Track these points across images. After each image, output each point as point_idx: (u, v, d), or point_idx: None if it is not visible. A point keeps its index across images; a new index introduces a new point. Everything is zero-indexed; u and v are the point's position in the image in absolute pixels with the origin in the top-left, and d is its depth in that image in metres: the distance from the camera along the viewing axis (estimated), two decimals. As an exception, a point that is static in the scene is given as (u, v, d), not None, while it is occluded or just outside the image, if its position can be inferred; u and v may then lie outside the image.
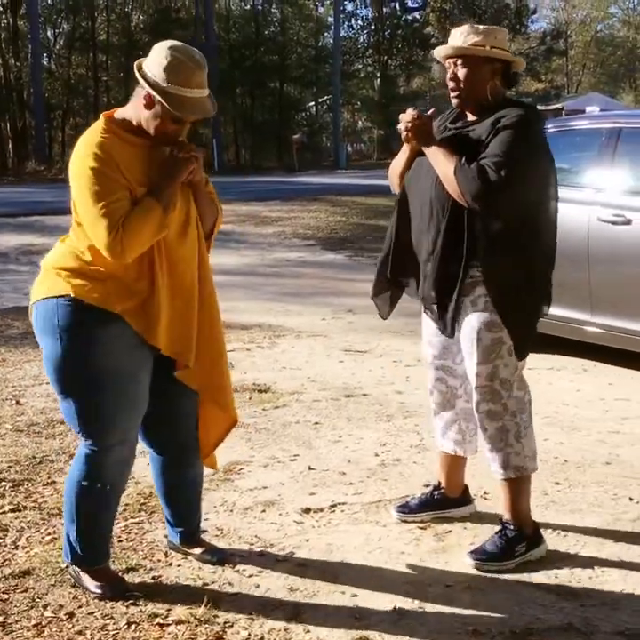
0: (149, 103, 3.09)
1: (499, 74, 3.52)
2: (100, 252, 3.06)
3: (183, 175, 3.16)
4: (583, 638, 3.03)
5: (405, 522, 3.93)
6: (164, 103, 3.04)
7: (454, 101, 3.58)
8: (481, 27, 3.53)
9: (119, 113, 3.21)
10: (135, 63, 3.17)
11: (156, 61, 3.08)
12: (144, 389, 3.26)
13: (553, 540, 3.75)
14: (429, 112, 3.56)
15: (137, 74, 3.11)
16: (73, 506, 3.30)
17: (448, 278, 3.47)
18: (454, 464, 3.95)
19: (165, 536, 3.71)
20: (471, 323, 3.51)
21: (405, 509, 3.98)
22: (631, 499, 4.20)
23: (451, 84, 3.54)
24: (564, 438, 5.06)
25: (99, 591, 3.28)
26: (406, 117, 3.52)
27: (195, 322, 3.25)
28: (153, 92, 3.05)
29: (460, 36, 3.50)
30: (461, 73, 3.50)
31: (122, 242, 3.00)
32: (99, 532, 3.35)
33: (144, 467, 4.05)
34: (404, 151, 3.66)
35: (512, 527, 3.60)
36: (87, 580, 3.32)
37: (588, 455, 4.79)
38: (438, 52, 3.58)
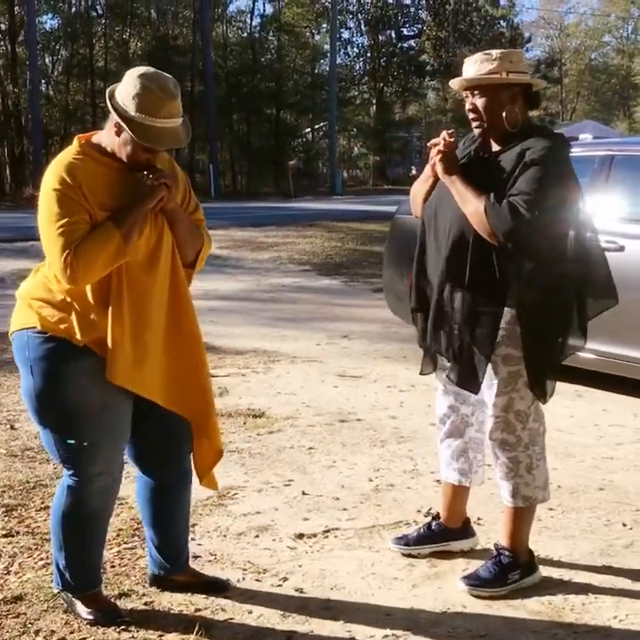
0: (119, 131, 3.06)
1: (518, 98, 3.44)
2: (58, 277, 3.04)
3: (151, 203, 3.10)
4: (576, 664, 3.03)
5: (405, 555, 3.86)
6: (130, 133, 3.02)
7: (476, 131, 3.50)
8: (494, 52, 3.44)
9: (96, 137, 3.19)
10: (109, 89, 3.15)
11: (125, 89, 3.06)
12: (124, 418, 3.22)
13: (546, 566, 3.74)
14: (449, 134, 3.48)
15: (108, 101, 3.09)
16: (59, 534, 3.28)
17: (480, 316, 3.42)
18: (457, 494, 3.89)
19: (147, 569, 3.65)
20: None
21: (406, 542, 3.91)
22: (624, 525, 4.20)
23: (471, 115, 3.47)
24: (558, 464, 5.06)
25: (90, 617, 3.27)
26: (436, 141, 3.47)
27: (159, 357, 3.18)
28: (120, 122, 3.03)
29: (475, 65, 3.43)
30: (480, 102, 3.42)
31: (72, 265, 2.95)
32: (87, 559, 3.33)
33: (137, 492, 4.04)
34: (429, 176, 3.59)
35: (507, 554, 3.59)
36: (79, 607, 3.31)
37: (581, 481, 4.80)
38: (454, 84, 3.52)
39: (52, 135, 43.49)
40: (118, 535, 4.03)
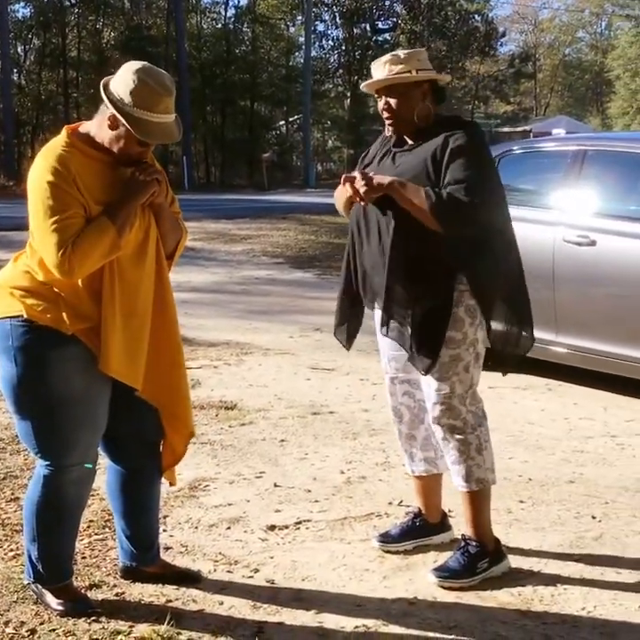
0: (113, 124, 3.06)
1: (428, 94, 3.55)
2: (50, 270, 3.03)
3: (143, 198, 3.13)
4: (544, 655, 3.06)
5: (389, 551, 3.86)
6: (127, 126, 3.02)
7: (390, 130, 3.60)
8: (401, 53, 3.55)
9: (84, 127, 3.18)
10: (102, 81, 3.13)
11: (123, 82, 3.05)
12: (102, 409, 3.22)
13: (516, 558, 3.77)
14: (356, 173, 3.53)
15: (103, 93, 3.08)
16: (33, 525, 3.27)
17: (419, 295, 3.47)
18: (430, 486, 3.91)
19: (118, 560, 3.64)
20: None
21: (388, 539, 3.90)
22: (594, 517, 4.24)
23: (385, 114, 3.56)
24: (529, 457, 5.10)
25: (61, 608, 3.26)
26: (355, 185, 3.48)
27: (145, 348, 3.21)
28: (117, 115, 3.03)
29: (385, 66, 3.52)
30: (393, 102, 3.52)
31: (70, 260, 2.96)
32: (60, 550, 3.33)
33: (109, 483, 4.03)
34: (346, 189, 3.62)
35: (474, 543, 3.62)
36: (50, 598, 3.30)
37: (551, 474, 4.83)
38: (369, 87, 3.59)
39: (24, 125, 43.22)
40: (89, 526, 4.02)
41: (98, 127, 3.13)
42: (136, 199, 3.11)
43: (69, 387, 3.12)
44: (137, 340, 3.18)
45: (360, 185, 3.44)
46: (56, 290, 3.08)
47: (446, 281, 3.45)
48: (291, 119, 52.43)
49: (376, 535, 3.94)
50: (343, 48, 52.03)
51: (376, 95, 3.60)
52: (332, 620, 3.28)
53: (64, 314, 3.08)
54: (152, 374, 3.25)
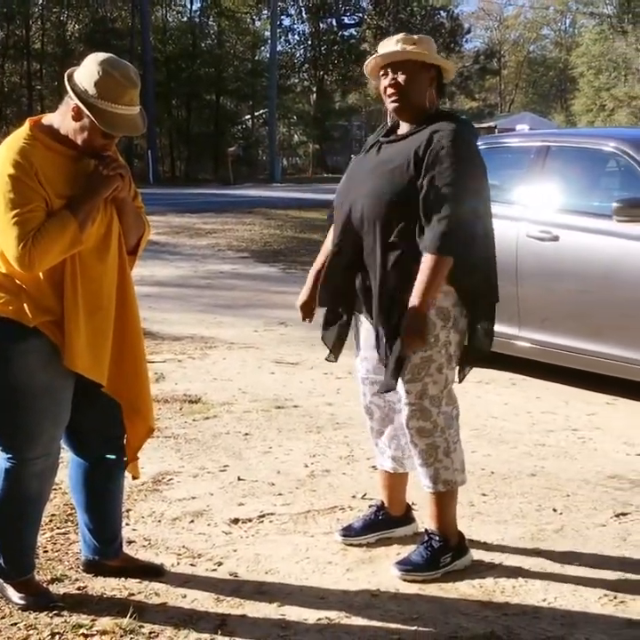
0: (77, 115, 3.04)
1: (434, 82, 3.51)
2: (11, 263, 3.01)
3: (106, 192, 3.10)
4: (505, 646, 3.09)
5: (351, 545, 3.85)
6: (91, 118, 3.00)
7: (392, 107, 3.50)
8: (414, 36, 3.50)
9: (47, 119, 3.16)
10: (66, 72, 3.11)
11: (87, 74, 3.03)
12: (66, 402, 3.21)
13: (478, 551, 3.80)
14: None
15: (67, 84, 3.06)
16: None
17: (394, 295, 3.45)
18: (396, 482, 3.90)
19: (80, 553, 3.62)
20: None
21: (350, 532, 3.89)
22: (555, 510, 4.28)
23: (390, 91, 3.47)
24: (491, 450, 5.14)
25: (22, 602, 3.24)
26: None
27: (109, 343, 3.20)
28: (82, 107, 3.00)
29: (397, 44, 3.47)
30: (402, 78, 3.45)
31: (30, 253, 2.94)
32: (22, 544, 3.30)
33: (71, 477, 4.01)
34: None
35: (437, 538, 3.62)
36: (11, 592, 3.28)
37: (514, 467, 4.87)
38: (382, 59, 3.49)
39: (-13, 117, 42.84)
40: (51, 520, 4.00)
41: (61, 119, 3.11)
42: (99, 194, 3.09)
43: (32, 379, 3.11)
44: (100, 335, 3.17)
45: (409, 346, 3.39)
46: (18, 282, 3.06)
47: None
48: (256, 114, 52.33)
49: (339, 529, 3.94)
50: (309, 43, 52.09)
51: (381, 73, 3.52)
52: (294, 613, 3.29)
53: (26, 306, 3.05)
54: (114, 369, 3.24)
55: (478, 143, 7.51)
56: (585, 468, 4.87)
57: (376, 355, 3.62)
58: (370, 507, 4.02)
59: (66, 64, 42.35)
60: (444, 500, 3.64)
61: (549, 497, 4.44)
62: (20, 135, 3.08)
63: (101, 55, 3.09)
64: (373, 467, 4.30)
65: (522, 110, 60.73)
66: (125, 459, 3.43)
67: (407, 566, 3.59)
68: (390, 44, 3.50)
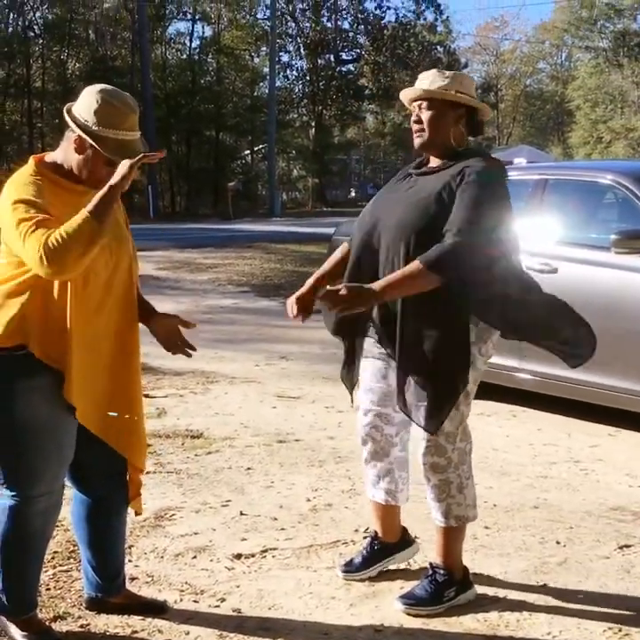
0: (80, 147, 3.07)
1: (463, 120, 3.51)
2: (23, 284, 3.02)
3: (123, 184, 3.01)
4: (510, 680, 3.07)
5: (354, 580, 3.81)
6: (96, 147, 3.03)
7: (417, 142, 3.54)
8: (448, 72, 3.55)
9: (49, 157, 3.19)
10: (65, 107, 3.15)
11: (86, 105, 3.07)
12: (69, 438, 3.21)
13: (482, 584, 3.79)
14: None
15: (67, 117, 3.09)
16: (1, 556, 3.23)
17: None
18: (388, 513, 3.87)
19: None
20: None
21: (351, 568, 3.85)
22: (558, 542, 4.27)
23: (415, 127, 3.52)
24: (494, 483, 5.13)
25: None
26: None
27: (100, 387, 3.21)
28: (85, 136, 3.04)
29: (427, 80, 3.51)
30: (425, 115, 3.48)
31: (47, 254, 2.86)
32: (24, 582, 3.28)
33: (73, 513, 4.01)
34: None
35: (442, 572, 3.60)
36: (14, 630, 3.26)
37: (516, 499, 4.86)
38: (405, 95, 3.57)
39: (-12, 154, 43.04)
40: (53, 557, 3.99)
41: (64, 154, 3.14)
42: (113, 184, 3.02)
43: (36, 417, 3.10)
44: (91, 377, 3.17)
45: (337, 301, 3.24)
46: (25, 313, 3.05)
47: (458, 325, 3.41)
48: (256, 148, 52.63)
49: (340, 564, 3.91)
50: (307, 78, 52.44)
51: (411, 107, 3.56)
52: (298, 649, 3.28)
53: (32, 336, 3.05)
54: (106, 409, 3.25)
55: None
56: (588, 500, 4.86)
57: (383, 386, 3.62)
58: (365, 538, 4.01)
59: (66, 102, 42.04)
60: (453, 535, 3.62)
61: (552, 529, 4.43)
62: (25, 172, 3.10)
63: (97, 86, 3.13)
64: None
65: (519, 143, 61.10)
66: (128, 495, 3.43)
67: (411, 600, 3.57)
68: (423, 79, 3.54)
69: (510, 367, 6.46)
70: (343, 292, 3.20)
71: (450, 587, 3.58)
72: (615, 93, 54.48)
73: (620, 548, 4.20)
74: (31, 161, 3.16)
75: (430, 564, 3.68)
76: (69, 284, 3.05)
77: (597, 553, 4.15)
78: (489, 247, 3.32)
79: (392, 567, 3.91)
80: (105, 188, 3.00)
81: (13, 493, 3.17)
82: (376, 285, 3.28)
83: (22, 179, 3.07)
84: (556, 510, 4.70)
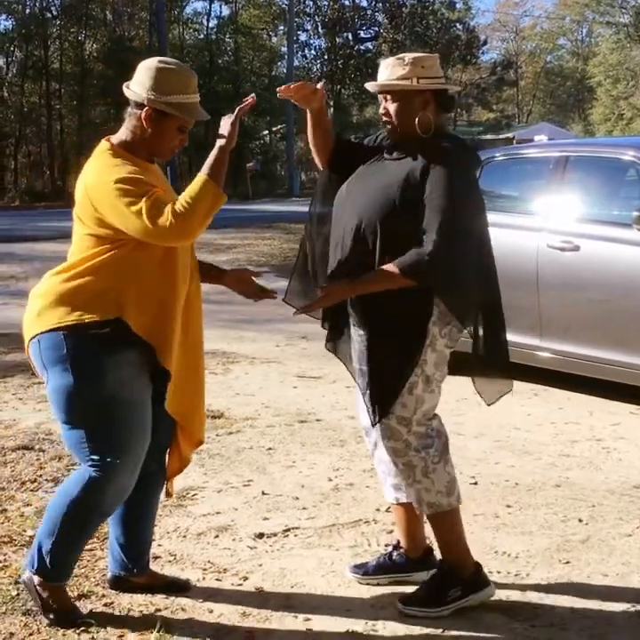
0: (150, 120, 3.11)
1: (430, 103, 3.38)
2: (120, 264, 3.07)
3: (231, 142, 3.11)
4: (533, 658, 3.07)
5: (360, 583, 3.64)
6: (176, 114, 3.10)
7: (388, 134, 3.48)
8: (407, 57, 3.39)
9: (116, 138, 3.20)
10: (125, 87, 3.18)
11: (149, 77, 3.12)
12: (150, 417, 3.25)
13: (503, 562, 3.79)
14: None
15: (131, 94, 3.14)
16: (58, 521, 3.23)
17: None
18: (407, 516, 3.62)
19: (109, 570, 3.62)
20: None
21: (361, 570, 3.67)
22: (580, 520, 4.26)
23: (383, 119, 3.46)
24: (516, 461, 5.12)
25: (51, 617, 3.25)
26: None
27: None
28: (162, 107, 3.09)
29: (387, 70, 3.39)
30: (391, 107, 3.40)
31: (177, 218, 2.93)
32: (74, 551, 3.33)
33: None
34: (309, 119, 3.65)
35: (445, 568, 3.44)
36: (43, 595, 3.26)
37: (538, 478, 4.85)
38: (369, 88, 3.49)
39: (7, 137, 43.10)
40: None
41: (132, 132, 3.18)
42: (223, 144, 3.12)
43: (125, 391, 3.14)
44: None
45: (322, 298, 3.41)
46: (117, 287, 3.10)
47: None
48: (274, 129, 52.48)
49: (351, 566, 3.73)
50: (325, 57, 52.19)
51: (379, 98, 3.49)
52: (321, 626, 3.29)
53: (126, 307, 3.10)
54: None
55: (497, 155, 7.53)
56: (610, 479, 4.85)
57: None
58: (386, 545, 3.86)
59: (84, 83, 42.76)
60: (437, 524, 3.44)
61: (575, 507, 4.42)
62: (106, 154, 3.13)
63: (154, 59, 3.22)
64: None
65: (540, 121, 60.66)
66: (168, 473, 3.46)
67: (409, 599, 3.42)
68: (383, 69, 3.43)
69: (531, 346, 6.44)
70: (320, 294, 3.40)
71: (454, 585, 3.39)
72: (637, 69, 53.97)
73: (643, 526, 4.20)
74: (107, 144, 3.18)
75: (437, 560, 3.57)
76: (158, 255, 3.12)
77: (620, 531, 4.14)
78: (465, 246, 3.25)
79: (416, 579, 3.62)
80: (216, 151, 3.10)
81: (96, 466, 3.17)
82: (349, 284, 3.31)
83: (109, 161, 3.10)
84: (578, 488, 4.69)
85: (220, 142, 3.11)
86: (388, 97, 3.42)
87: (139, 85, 3.15)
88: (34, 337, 3.19)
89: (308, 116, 3.67)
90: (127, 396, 3.16)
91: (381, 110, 3.47)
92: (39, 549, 3.29)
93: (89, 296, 3.11)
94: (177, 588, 3.56)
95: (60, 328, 3.12)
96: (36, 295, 3.23)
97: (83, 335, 3.11)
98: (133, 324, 3.11)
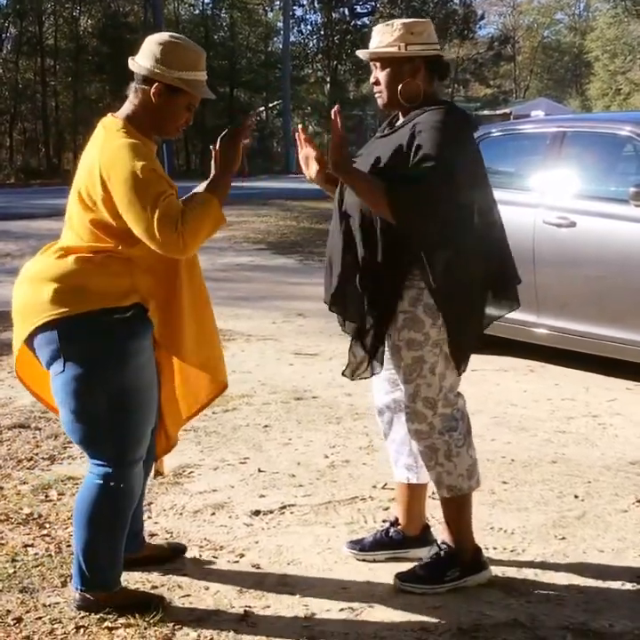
0: (159, 95, 3.04)
1: (420, 71, 3.30)
2: (131, 247, 3.01)
3: (234, 164, 3.13)
4: (528, 633, 3.08)
5: (357, 560, 3.65)
6: (186, 89, 3.04)
7: (379, 103, 3.41)
8: (396, 23, 3.31)
9: (120, 114, 3.12)
10: (130, 63, 3.11)
11: (158, 53, 3.04)
12: (156, 399, 3.24)
13: (500, 538, 3.80)
14: (302, 129, 3.39)
15: (140, 69, 3.06)
16: (90, 529, 3.14)
17: (382, 292, 3.31)
18: (412, 496, 3.64)
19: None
20: (393, 340, 3.35)
21: (358, 546, 3.68)
22: (576, 496, 4.27)
23: (374, 88, 3.38)
24: (512, 438, 5.13)
25: (136, 615, 3.16)
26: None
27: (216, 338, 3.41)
28: (175, 83, 3.02)
29: (377, 36, 3.32)
30: (381, 75, 3.32)
31: (183, 237, 2.91)
32: (119, 552, 3.22)
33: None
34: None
35: (447, 550, 3.43)
36: (106, 605, 3.19)
37: (534, 454, 4.86)
38: (361, 55, 3.41)
39: (2, 114, 42.89)
40: (72, 515, 4.01)
41: (140, 108, 3.09)
42: (230, 168, 3.13)
43: (143, 377, 3.11)
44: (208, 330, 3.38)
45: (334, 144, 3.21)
46: (128, 265, 3.05)
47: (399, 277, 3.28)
48: (270, 105, 52.26)
49: (348, 542, 3.74)
50: (322, 33, 51.84)
51: (371, 65, 3.39)
52: (317, 604, 3.29)
53: (140, 288, 3.06)
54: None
55: (493, 130, 7.48)
56: (606, 455, 4.86)
57: (387, 349, 3.45)
58: (384, 521, 3.87)
59: (79, 60, 42.50)
60: (452, 508, 3.43)
61: (571, 484, 4.43)
62: (116, 129, 3.05)
63: (162, 34, 3.13)
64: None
65: (537, 96, 60.45)
66: (157, 452, 3.45)
67: (407, 577, 3.42)
68: (374, 35, 3.35)
69: (528, 322, 6.43)
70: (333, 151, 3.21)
71: (453, 566, 3.40)
72: (634, 44, 53.69)
73: (639, 501, 4.20)
74: (118, 121, 3.10)
75: (435, 540, 3.56)
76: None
77: (616, 507, 4.15)
78: (439, 197, 3.15)
79: (413, 556, 3.63)
80: (223, 174, 3.14)
81: (107, 462, 3.11)
82: (351, 171, 3.23)
83: (124, 141, 3.00)
84: (574, 465, 4.70)
85: (225, 167, 3.13)
86: (378, 65, 3.34)
87: (148, 59, 3.06)
88: (47, 323, 3.02)
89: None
90: (145, 381, 3.11)
91: (372, 79, 3.40)
92: (79, 567, 3.18)
93: (108, 281, 3.03)
94: (174, 553, 3.60)
95: (80, 314, 3.01)
96: (40, 277, 3.08)
97: (107, 321, 3.02)
98: (151, 306, 3.08)
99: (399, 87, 3.29)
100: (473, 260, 3.29)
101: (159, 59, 3.05)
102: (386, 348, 3.41)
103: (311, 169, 3.55)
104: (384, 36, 3.31)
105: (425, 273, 3.24)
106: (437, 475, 3.39)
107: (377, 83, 3.37)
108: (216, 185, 3.10)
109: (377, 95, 3.39)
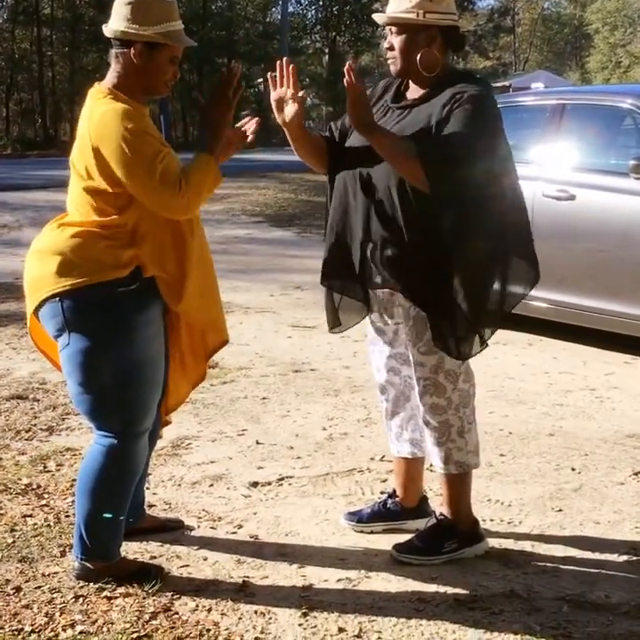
0: (140, 56, 3.00)
1: (436, 40, 3.21)
2: (130, 214, 2.99)
3: (226, 119, 3.06)
4: (525, 604, 3.10)
5: (354, 531, 3.66)
6: (168, 43, 3.00)
7: (392, 69, 3.31)
8: None
9: (108, 84, 3.08)
10: (105, 28, 3.06)
11: (129, 13, 2.98)
12: (163, 369, 3.23)
13: (497, 510, 3.82)
14: (350, 64, 3.14)
15: (114, 33, 3.01)
16: (96, 498, 3.15)
17: (411, 263, 3.21)
18: (412, 470, 3.64)
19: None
20: (416, 310, 3.28)
21: (356, 517, 3.69)
22: (573, 469, 4.29)
23: (388, 54, 3.30)
24: (509, 411, 5.14)
25: (134, 584, 3.17)
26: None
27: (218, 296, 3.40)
28: (156, 38, 2.98)
29: (394, 3, 3.22)
30: (396, 41, 3.22)
31: (187, 196, 2.91)
32: (121, 522, 3.23)
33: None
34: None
35: (446, 522, 3.43)
36: (106, 576, 3.20)
37: (532, 427, 4.87)
38: (376, 19, 3.33)
39: (-2, 84, 42.69)
40: (72, 485, 4.03)
41: (124, 73, 3.05)
42: (223, 124, 3.06)
43: (151, 349, 3.10)
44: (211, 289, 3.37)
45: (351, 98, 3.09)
46: (135, 235, 3.03)
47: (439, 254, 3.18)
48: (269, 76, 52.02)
49: (345, 513, 3.75)
50: (321, 3, 51.52)
51: (386, 30, 3.30)
52: (315, 574, 3.31)
53: (147, 257, 3.04)
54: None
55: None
56: (603, 428, 4.87)
57: (391, 325, 3.44)
58: (382, 493, 3.88)
59: (76, 29, 42.18)
60: (457, 484, 3.42)
61: (568, 456, 4.45)
62: (102, 97, 3.02)
63: None
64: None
65: (536, 68, 60.26)
66: (165, 409, 3.43)
67: (405, 548, 3.44)
68: (391, 1, 3.26)
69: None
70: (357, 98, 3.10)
71: (451, 538, 3.41)
72: (635, 16, 53.46)
73: (635, 474, 4.22)
74: (102, 88, 3.07)
75: (433, 512, 3.56)
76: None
77: (612, 479, 4.17)
78: (477, 170, 3.11)
79: (411, 527, 3.64)
80: (220, 129, 3.05)
81: (115, 434, 3.11)
82: (378, 128, 3.14)
83: (112, 105, 2.98)
84: (571, 438, 4.71)
85: (218, 124, 3.06)
86: (394, 30, 3.25)
87: (120, 21, 3.00)
88: (54, 295, 3.02)
89: (288, 134, 3.48)
90: (153, 353, 3.10)
91: (386, 44, 3.29)
92: (81, 536, 3.19)
93: (109, 253, 3.00)
94: (170, 527, 3.61)
95: (88, 285, 2.99)
96: (46, 250, 3.07)
97: (113, 292, 3.00)
98: (154, 271, 3.05)
99: (418, 56, 3.21)
100: (499, 229, 3.27)
101: (130, 18, 2.99)
102: (401, 322, 3.38)
103: (288, 110, 3.38)
104: (402, 1, 3.22)
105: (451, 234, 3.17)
106: (447, 451, 3.37)
107: (391, 48, 3.27)
108: (211, 143, 3.04)
109: (390, 61, 3.30)
